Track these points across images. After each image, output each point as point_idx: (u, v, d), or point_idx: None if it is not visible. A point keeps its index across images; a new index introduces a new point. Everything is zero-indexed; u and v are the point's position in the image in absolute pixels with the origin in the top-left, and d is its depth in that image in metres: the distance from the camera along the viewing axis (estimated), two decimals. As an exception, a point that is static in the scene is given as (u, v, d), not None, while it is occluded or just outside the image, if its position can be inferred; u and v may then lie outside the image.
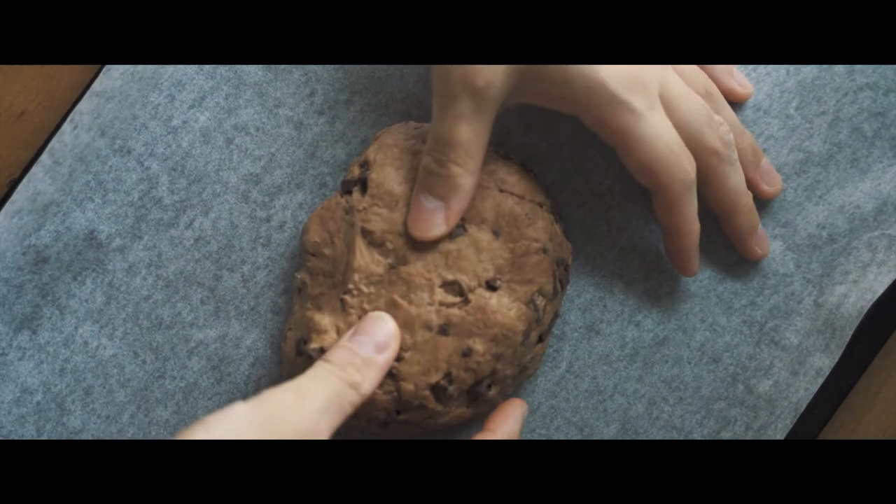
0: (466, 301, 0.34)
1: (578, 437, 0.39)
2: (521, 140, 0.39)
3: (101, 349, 0.39)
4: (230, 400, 0.39)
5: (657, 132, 0.34)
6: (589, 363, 0.39)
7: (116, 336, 0.39)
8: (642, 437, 0.38)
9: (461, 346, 0.34)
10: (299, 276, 0.37)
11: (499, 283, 0.35)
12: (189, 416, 0.39)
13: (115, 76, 0.39)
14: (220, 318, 0.39)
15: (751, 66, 0.39)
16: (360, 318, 0.35)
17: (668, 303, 0.39)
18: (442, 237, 0.35)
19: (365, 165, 0.36)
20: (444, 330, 0.34)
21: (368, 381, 0.31)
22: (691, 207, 0.35)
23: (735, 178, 0.36)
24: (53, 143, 0.39)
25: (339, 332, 0.35)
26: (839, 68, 0.39)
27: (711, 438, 0.38)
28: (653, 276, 0.39)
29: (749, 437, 0.38)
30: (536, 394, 0.39)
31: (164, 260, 0.39)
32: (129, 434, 0.39)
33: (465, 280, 0.34)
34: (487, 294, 0.35)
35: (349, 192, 0.36)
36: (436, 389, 0.34)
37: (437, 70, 0.33)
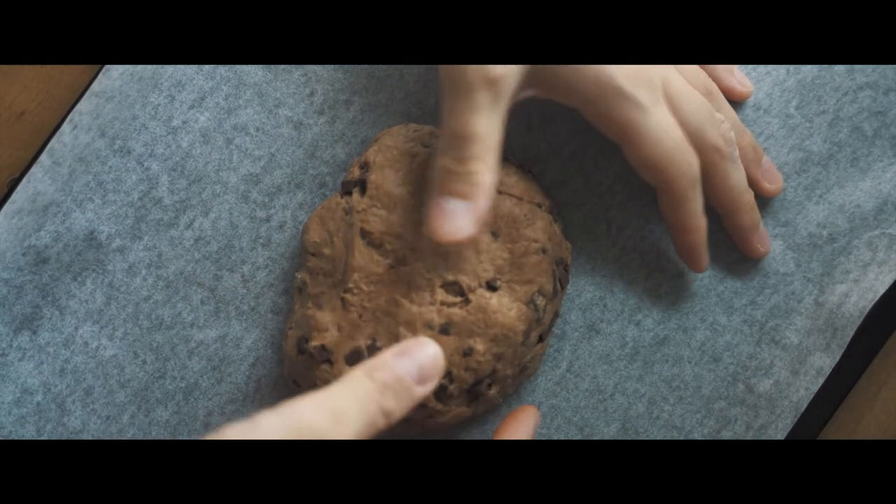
0: (467, 301, 0.34)
1: (578, 437, 0.39)
2: (521, 140, 0.39)
3: (101, 349, 0.39)
4: (231, 400, 0.39)
5: (663, 127, 0.34)
6: (589, 363, 0.39)
7: (117, 336, 0.39)
8: (642, 436, 0.38)
9: (462, 345, 0.34)
10: (299, 276, 0.37)
11: (499, 283, 0.35)
12: (189, 416, 0.39)
13: (114, 76, 0.39)
14: (220, 318, 0.39)
15: (750, 66, 0.39)
16: (360, 316, 0.35)
17: (669, 302, 0.39)
18: (471, 240, 0.33)
19: (365, 167, 0.36)
20: (445, 329, 0.34)
21: (400, 411, 0.29)
22: (697, 203, 0.35)
23: (737, 176, 0.36)
24: (53, 143, 0.39)
25: (340, 330, 0.35)
26: (839, 68, 0.39)
27: (712, 438, 0.38)
28: (653, 276, 0.39)
29: (749, 436, 0.38)
30: (537, 393, 0.39)
31: (165, 260, 0.39)
32: (130, 434, 0.39)
33: (465, 280, 0.35)
34: (488, 294, 0.35)
35: (349, 193, 0.36)
36: (436, 388, 0.34)
37: (449, 66, 0.32)
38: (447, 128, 0.33)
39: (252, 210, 0.40)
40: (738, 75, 0.39)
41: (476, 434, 0.39)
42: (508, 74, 0.32)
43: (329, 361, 0.35)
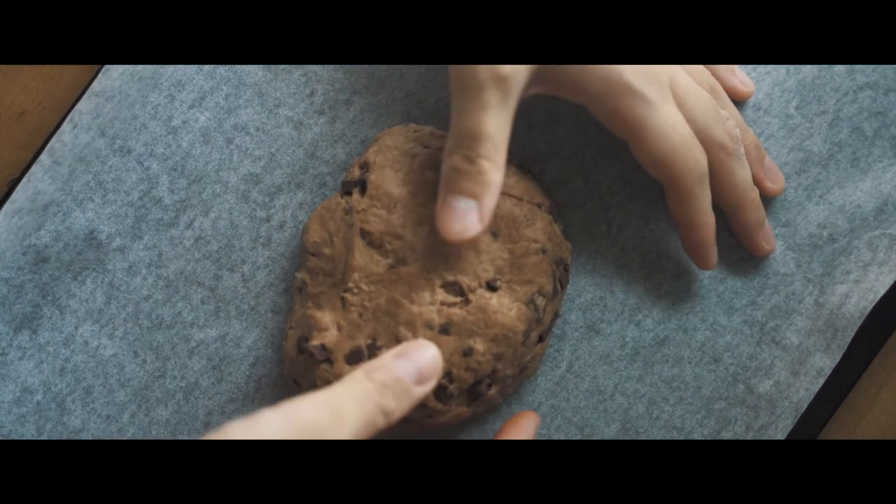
0: (467, 301, 0.34)
1: (578, 437, 0.39)
2: (521, 140, 0.39)
3: (101, 349, 0.39)
4: (231, 400, 0.39)
5: (671, 123, 0.34)
6: (589, 363, 0.39)
7: (117, 336, 0.39)
8: (642, 436, 0.38)
9: (462, 345, 0.34)
10: (299, 276, 0.37)
11: (499, 283, 0.35)
12: (189, 415, 0.39)
13: (114, 76, 0.39)
14: (220, 317, 0.39)
15: (751, 66, 0.39)
16: (360, 315, 0.35)
17: (669, 302, 0.39)
18: (478, 237, 0.34)
19: (365, 167, 0.36)
20: (445, 329, 0.34)
21: (399, 411, 0.30)
22: (705, 199, 0.35)
23: (742, 173, 0.36)
24: (53, 142, 0.39)
25: (340, 330, 0.35)
26: (839, 68, 0.39)
27: (712, 438, 0.38)
28: (653, 276, 0.39)
29: (749, 436, 0.38)
30: (537, 393, 0.39)
31: (165, 260, 0.39)
32: (130, 434, 0.39)
33: (465, 280, 0.35)
34: (488, 294, 0.35)
35: (349, 193, 0.36)
36: (436, 388, 0.34)
37: (458, 65, 0.33)
38: (456, 127, 0.33)
39: (252, 210, 0.40)
40: (740, 75, 0.39)
41: (476, 434, 0.39)
42: (517, 73, 0.32)
43: (329, 361, 0.35)
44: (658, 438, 0.38)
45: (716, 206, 0.37)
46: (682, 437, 0.38)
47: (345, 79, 0.40)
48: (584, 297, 0.39)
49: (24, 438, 0.39)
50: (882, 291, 0.38)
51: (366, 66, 0.40)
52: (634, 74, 0.33)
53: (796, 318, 0.38)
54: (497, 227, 0.35)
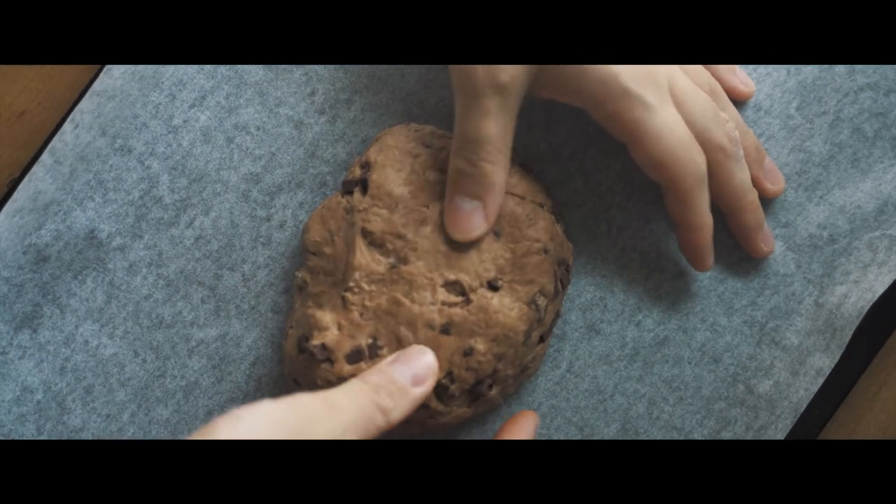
0: (468, 301, 0.34)
1: (578, 437, 0.39)
2: (521, 140, 0.39)
3: (101, 348, 0.39)
4: (231, 399, 0.39)
5: (669, 125, 0.34)
6: (589, 363, 0.39)
7: (117, 335, 0.39)
8: (642, 437, 0.38)
9: (463, 345, 0.34)
10: (300, 275, 0.37)
11: (500, 283, 0.35)
12: (189, 415, 0.39)
13: (115, 75, 0.39)
14: (220, 317, 0.39)
15: (751, 67, 0.39)
16: (361, 315, 0.35)
17: (669, 303, 0.39)
18: (483, 236, 0.35)
19: (366, 166, 0.36)
20: (446, 329, 0.34)
21: (399, 409, 0.30)
22: (703, 201, 0.35)
23: (741, 175, 0.36)
24: (54, 142, 0.39)
25: (341, 329, 0.35)
26: (840, 68, 0.39)
27: (711, 438, 0.38)
28: (653, 276, 0.39)
29: (749, 437, 0.38)
30: (537, 393, 0.39)
31: (165, 259, 0.39)
32: (130, 433, 0.39)
33: (466, 280, 0.35)
34: (489, 294, 0.35)
35: (350, 192, 0.36)
36: (437, 388, 0.34)
37: (459, 69, 0.33)
38: (459, 131, 0.34)
39: (252, 209, 0.40)
40: (741, 75, 0.39)
41: (477, 434, 0.39)
42: (516, 79, 0.33)
43: (329, 360, 0.35)
44: (658, 438, 0.38)
45: (714, 208, 0.37)
46: (681, 438, 0.38)
47: (345, 78, 0.40)
48: (585, 298, 0.39)
49: (24, 438, 0.39)
50: (881, 291, 0.38)
51: (367, 66, 0.40)
52: (632, 77, 0.33)
53: (796, 319, 0.39)
54: (499, 227, 0.35)
